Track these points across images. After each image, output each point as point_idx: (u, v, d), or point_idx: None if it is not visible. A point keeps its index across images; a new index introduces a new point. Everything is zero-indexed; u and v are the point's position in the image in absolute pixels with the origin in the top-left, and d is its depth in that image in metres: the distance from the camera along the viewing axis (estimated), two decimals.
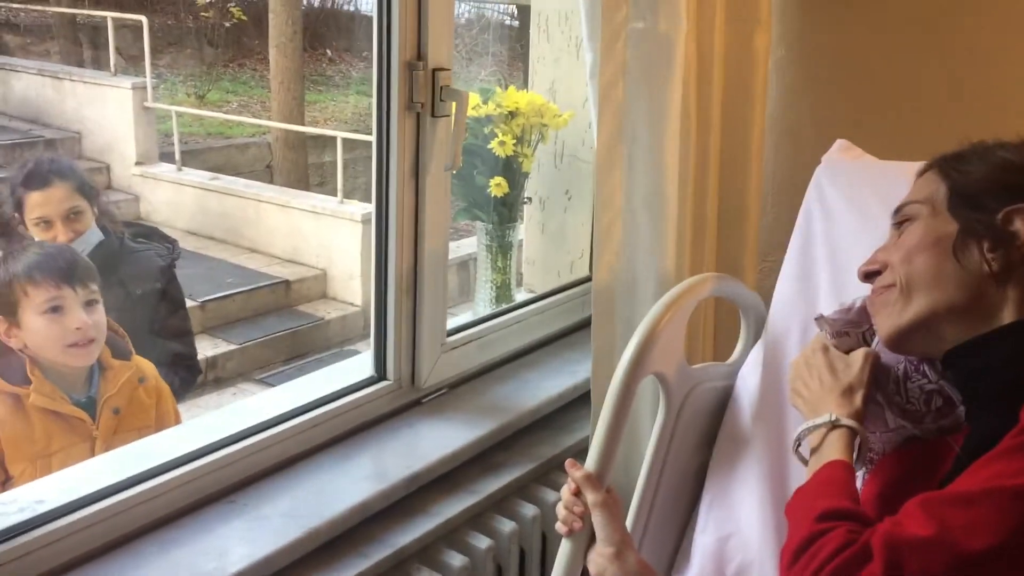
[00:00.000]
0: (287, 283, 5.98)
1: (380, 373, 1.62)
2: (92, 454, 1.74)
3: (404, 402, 1.63)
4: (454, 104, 1.54)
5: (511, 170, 1.94)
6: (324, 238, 6.15)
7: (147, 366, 1.91)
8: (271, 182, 7.63)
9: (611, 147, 1.56)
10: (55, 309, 1.72)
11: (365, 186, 7.33)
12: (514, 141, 1.90)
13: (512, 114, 1.91)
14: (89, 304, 1.76)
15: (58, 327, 1.72)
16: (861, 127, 1.60)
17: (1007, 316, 0.95)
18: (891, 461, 1.07)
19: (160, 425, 1.86)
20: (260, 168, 8.03)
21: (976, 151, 1.03)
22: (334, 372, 1.65)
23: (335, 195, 6.33)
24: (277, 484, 1.41)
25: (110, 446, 1.72)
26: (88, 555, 1.21)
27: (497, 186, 1.91)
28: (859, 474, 1.08)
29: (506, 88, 1.99)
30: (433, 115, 1.53)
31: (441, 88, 1.52)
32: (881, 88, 1.75)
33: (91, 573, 1.20)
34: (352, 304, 6.01)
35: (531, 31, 2.16)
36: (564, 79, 2.11)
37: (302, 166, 7.99)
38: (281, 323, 5.74)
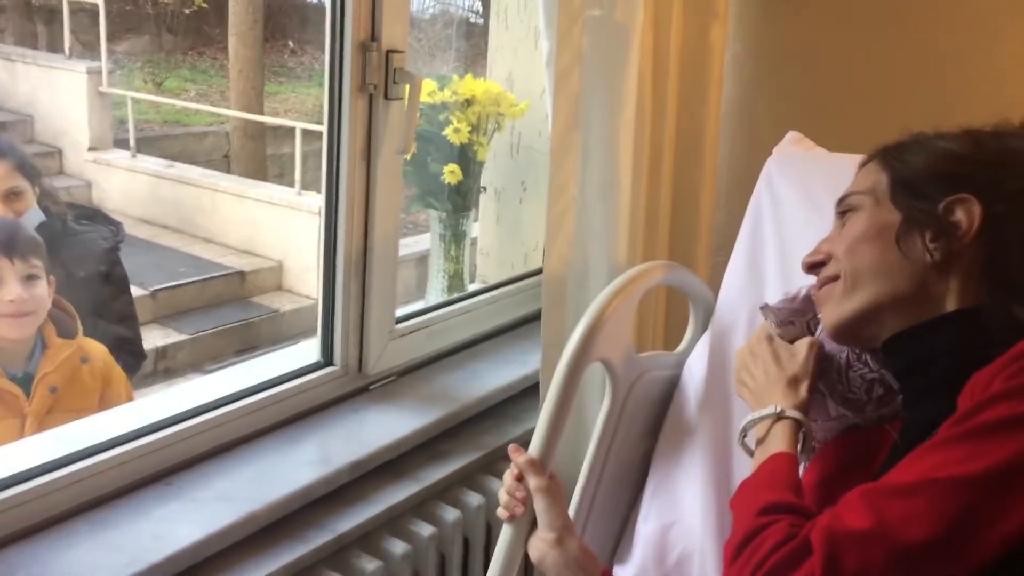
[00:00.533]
0: (242, 274, 5.90)
1: (327, 359, 1.60)
2: (22, 432, 1.70)
3: (351, 388, 1.61)
4: (408, 87, 1.52)
5: (466, 158, 1.93)
6: (281, 229, 6.07)
7: (95, 348, 1.87)
8: (228, 172, 7.53)
9: (566, 135, 1.55)
10: None
11: None
12: (469, 129, 1.88)
13: (468, 102, 1.90)
14: (29, 278, 1.74)
15: None
16: (816, 121, 1.60)
17: (949, 305, 0.95)
18: (832, 449, 1.08)
19: (107, 409, 1.81)
20: (218, 157, 7.92)
21: (917, 141, 1.03)
22: (280, 357, 1.63)
23: (293, 187, 6.26)
24: (217, 467, 1.38)
25: (43, 425, 1.70)
26: (17, 534, 1.18)
27: (451, 173, 1.89)
28: (804, 460, 1.08)
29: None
30: (386, 97, 1.51)
31: (395, 70, 1.50)
32: (837, 83, 1.76)
33: (21, 552, 1.16)
34: (308, 296, 5.94)
35: (490, 20, 2.15)
36: (522, 69, 2.09)
37: (260, 156, 7.89)
38: (234, 314, 5.66)
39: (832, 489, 1.00)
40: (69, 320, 1.84)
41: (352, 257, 1.56)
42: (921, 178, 0.98)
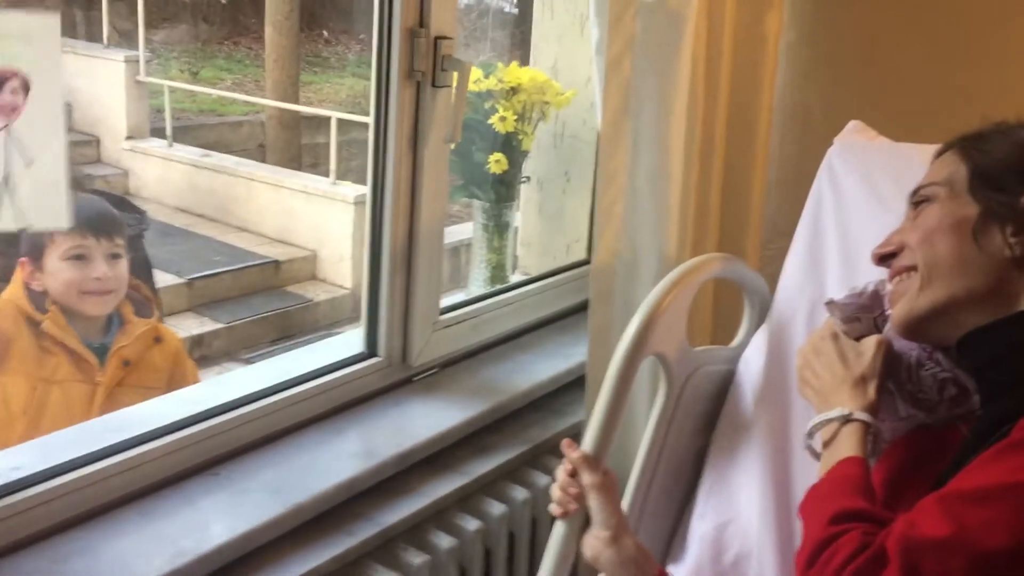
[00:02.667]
0: (277, 263, 5.92)
1: (371, 349, 1.58)
2: (92, 399, 1.75)
3: (394, 380, 1.59)
4: (456, 74, 1.50)
5: (510, 147, 1.90)
6: (315, 219, 6.08)
7: (169, 332, 1.94)
8: (264, 161, 7.56)
9: (616, 123, 1.52)
10: (78, 257, 1.75)
11: (358, 168, 7.26)
12: (515, 118, 1.86)
13: (514, 90, 1.87)
14: (113, 257, 1.79)
15: (78, 274, 1.75)
16: (872, 110, 1.56)
17: None
18: (899, 447, 1.04)
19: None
20: (253, 147, 7.95)
21: (998, 131, 1.00)
22: (324, 347, 1.62)
23: (328, 176, 6.27)
24: (262, 458, 1.37)
25: (112, 396, 1.76)
26: (66, 523, 1.17)
27: (496, 163, 1.87)
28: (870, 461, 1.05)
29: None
30: (434, 85, 1.49)
31: (443, 57, 1.48)
32: (891, 72, 1.71)
33: (70, 541, 1.16)
34: (342, 287, 5.95)
35: (535, 6, 2.12)
36: (567, 57, 2.06)
37: (295, 146, 7.91)
38: (269, 303, 5.68)
39: (900, 488, 0.97)
40: (145, 302, 1.89)
41: (397, 247, 1.54)
42: (1002, 169, 0.95)
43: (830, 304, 1.09)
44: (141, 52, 6.72)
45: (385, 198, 1.52)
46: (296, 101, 8.04)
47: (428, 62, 1.47)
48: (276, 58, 7.79)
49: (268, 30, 7.96)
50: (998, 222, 0.93)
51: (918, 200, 1.02)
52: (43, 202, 1.36)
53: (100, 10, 7.23)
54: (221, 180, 6.44)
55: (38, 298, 1.75)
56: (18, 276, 1.76)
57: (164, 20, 9.70)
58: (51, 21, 1.32)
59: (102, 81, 6.50)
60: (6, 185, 1.29)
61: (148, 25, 7.34)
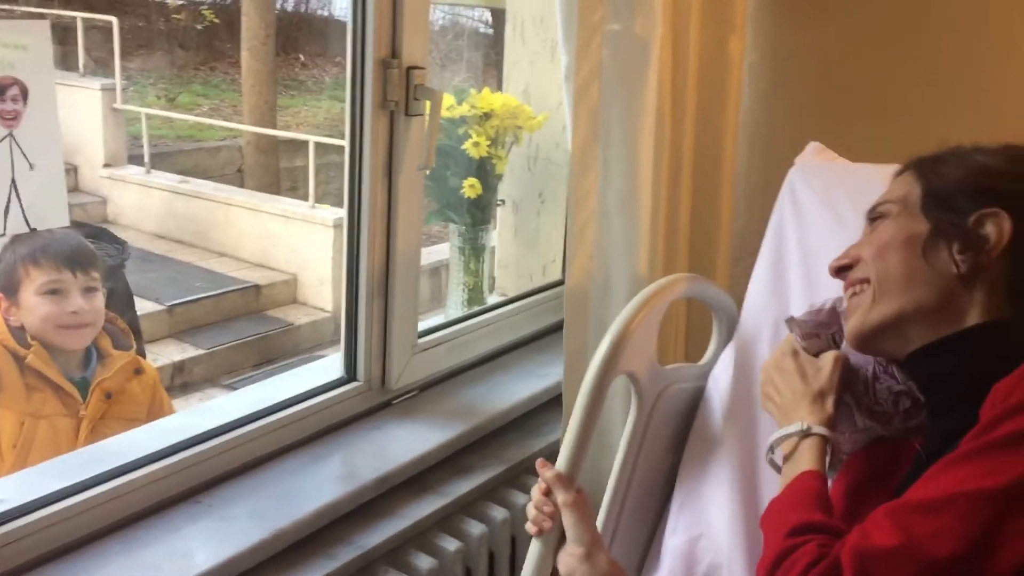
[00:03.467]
0: (257, 287, 5.93)
1: (350, 374, 1.61)
2: (77, 433, 1.77)
3: (374, 403, 1.62)
4: (428, 103, 1.53)
5: (484, 172, 1.94)
6: (295, 243, 6.10)
7: (147, 365, 1.95)
8: (242, 186, 7.57)
9: (586, 148, 1.55)
10: (54, 292, 1.77)
11: (337, 191, 7.28)
12: (488, 143, 1.89)
13: (487, 115, 1.90)
14: (88, 291, 1.80)
15: (55, 308, 1.76)
16: (834, 131, 1.60)
17: (972, 318, 0.95)
18: (858, 461, 1.07)
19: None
20: (231, 172, 7.97)
21: (954, 154, 1.03)
22: (304, 373, 1.64)
23: (307, 200, 6.29)
24: (244, 484, 1.39)
25: (96, 429, 1.77)
26: (50, 555, 1.19)
27: (471, 187, 1.90)
28: (831, 474, 1.08)
29: (480, 92, 1.99)
30: (407, 114, 1.52)
31: (415, 87, 1.51)
32: (854, 92, 1.76)
33: (56, 572, 1.17)
34: (323, 310, 5.97)
35: (506, 33, 2.16)
36: (538, 82, 2.10)
37: (273, 170, 7.93)
38: (251, 328, 5.69)
39: (858, 501, 1.00)
40: (122, 334, 1.91)
41: (375, 273, 1.56)
42: (953, 191, 0.99)
43: (790, 321, 1.13)
44: (117, 80, 6.73)
45: (362, 224, 1.55)
46: (274, 126, 8.07)
47: (401, 91, 1.50)
48: (253, 83, 7.82)
49: (244, 56, 7.99)
50: (946, 240, 0.96)
51: (874, 216, 1.06)
52: (45, 204, 1.42)
53: (75, 40, 7.23)
54: (200, 206, 6.45)
55: (18, 333, 1.76)
56: None
57: (140, 47, 9.71)
58: (42, 28, 1.37)
59: (79, 110, 6.51)
60: (14, 189, 1.34)
61: (124, 53, 7.35)
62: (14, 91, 1.30)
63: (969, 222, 0.96)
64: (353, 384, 1.60)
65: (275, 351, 5.60)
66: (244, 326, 5.69)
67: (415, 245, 1.61)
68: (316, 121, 9.75)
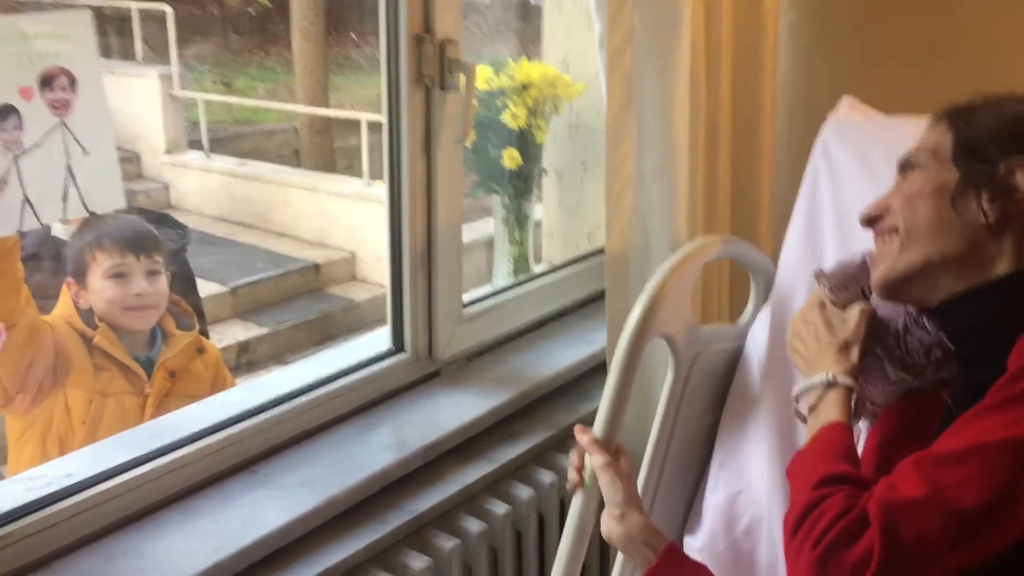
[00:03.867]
0: (316, 266, 6.03)
1: (398, 346, 1.65)
2: (143, 410, 1.85)
3: (422, 374, 1.65)
4: (463, 76, 1.55)
5: (525, 142, 1.95)
6: (352, 220, 6.18)
7: (208, 343, 2.03)
8: (298, 167, 7.68)
9: (620, 115, 1.56)
10: (119, 275, 1.84)
11: None
12: (527, 113, 1.90)
13: (525, 86, 1.92)
14: (152, 274, 1.87)
15: (120, 291, 1.84)
16: (874, 86, 1.59)
17: (1001, 268, 0.95)
18: (892, 414, 1.08)
19: None
20: (288, 153, 8.08)
21: (987, 103, 1.02)
22: (354, 346, 1.68)
23: (361, 177, 6.36)
24: (299, 455, 1.44)
25: (162, 406, 1.85)
26: (114, 525, 1.25)
27: (511, 158, 1.92)
28: (864, 426, 1.09)
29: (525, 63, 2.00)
30: (442, 88, 1.54)
31: (450, 61, 1.53)
32: (893, 45, 1.73)
33: (118, 542, 1.23)
34: (380, 285, 6.03)
35: (544, 2, 2.16)
36: (577, 50, 2.10)
37: (328, 150, 8.03)
38: (311, 306, 5.79)
39: (892, 453, 1.00)
40: (184, 315, 1.98)
41: (417, 246, 1.60)
42: (985, 140, 0.98)
43: (819, 274, 1.13)
44: (174, 67, 6.86)
45: (402, 199, 1.58)
46: (326, 105, 8.15)
47: (435, 66, 1.52)
48: (305, 64, 7.90)
49: (296, 37, 8.08)
50: (975, 189, 0.96)
51: (905, 167, 1.05)
52: (101, 187, 1.46)
53: (131, 30, 7.38)
54: (259, 188, 6.57)
55: (87, 315, 1.84)
56: (65, 295, 1.86)
57: (195, 34, 9.86)
58: (83, 17, 1.41)
59: (138, 98, 6.65)
60: (70, 175, 1.39)
61: (180, 40, 7.47)
62: (62, 80, 1.34)
63: (1000, 171, 0.95)
64: (401, 355, 1.63)
65: (336, 327, 5.70)
66: (306, 304, 5.79)
67: (456, 217, 1.64)
68: (370, 99, 9.80)
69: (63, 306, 1.85)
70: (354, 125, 7.46)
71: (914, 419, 1.05)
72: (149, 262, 1.87)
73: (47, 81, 1.33)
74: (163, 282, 1.91)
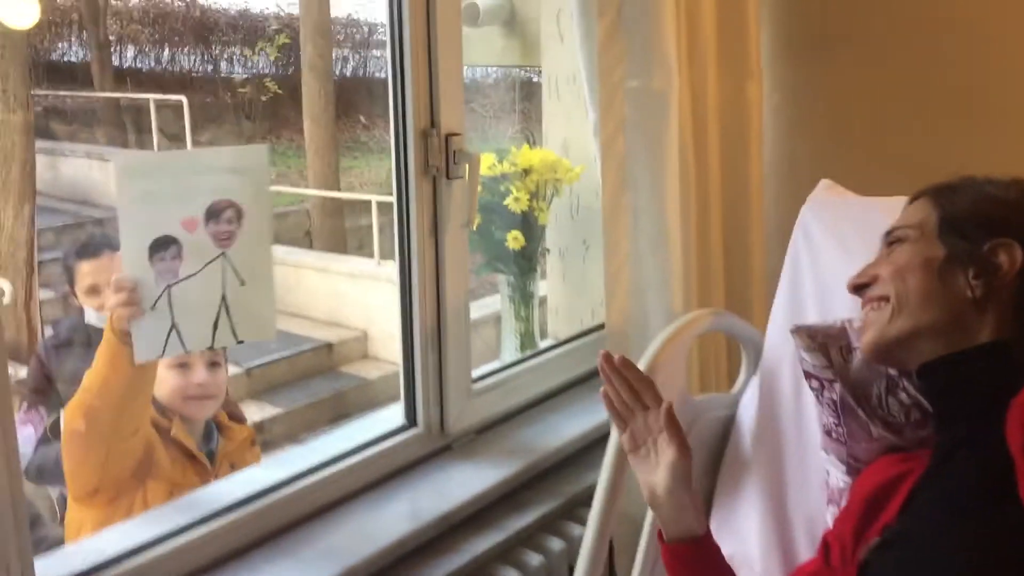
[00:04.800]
0: (329, 345, 6.13)
1: (410, 421, 1.72)
2: None
3: (434, 447, 1.72)
4: (467, 166, 1.65)
5: (528, 224, 2.05)
6: (363, 299, 6.30)
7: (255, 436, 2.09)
8: (311, 248, 7.83)
9: (616, 197, 1.66)
10: (182, 365, 1.90)
11: None
12: (529, 196, 2.01)
13: (526, 171, 2.02)
14: (213, 365, 1.93)
15: (182, 381, 1.90)
16: (853, 164, 1.69)
17: (983, 336, 1.02)
18: (875, 469, 1.14)
19: None
20: (300, 235, 8.25)
21: (966, 184, 1.11)
22: (368, 422, 1.76)
23: (372, 257, 6.50)
24: (319, 526, 1.51)
25: None
26: None
27: (514, 239, 2.01)
28: (847, 481, 1.16)
29: (533, 144, 2.11)
30: (448, 177, 1.64)
31: (454, 152, 1.63)
32: (869, 126, 1.84)
33: None
34: (392, 362, 6.12)
35: (543, 92, 2.28)
36: (576, 135, 2.22)
37: (340, 231, 8.20)
38: (325, 385, 5.87)
39: (877, 505, 1.07)
40: (236, 408, 2.05)
41: (427, 325, 1.68)
42: (968, 219, 1.06)
43: (797, 330, 1.21)
44: None
45: (413, 281, 1.67)
46: (337, 188, 8.34)
47: (441, 157, 1.63)
48: (316, 149, 8.12)
49: (307, 124, 8.32)
50: (962, 266, 1.04)
51: (892, 240, 1.13)
52: (254, 318, 1.48)
53: (148, 119, 7.60)
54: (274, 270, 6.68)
55: (156, 405, 1.87)
56: None
57: (208, 122, 10.14)
58: (261, 151, 1.46)
59: None
60: (224, 305, 1.42)
61: (193, 127, 7.70)
62: (229, 214, 1.38)
63: (984, 250, 1.03)
64: (414, 430, 1.71)
65: (349, 405, 5.76)
66: (319, 383, 5.87)
67: (463, 296, 1.73)
68: (379, 180, 10.02)
69: None
70: (364, 205, 7.62)
71: (894, 474, 1.11)
72: (211, 354, 1.92)
73: (214, 213, 1.37)
74: (223, 373, 1.96)
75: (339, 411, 5.71)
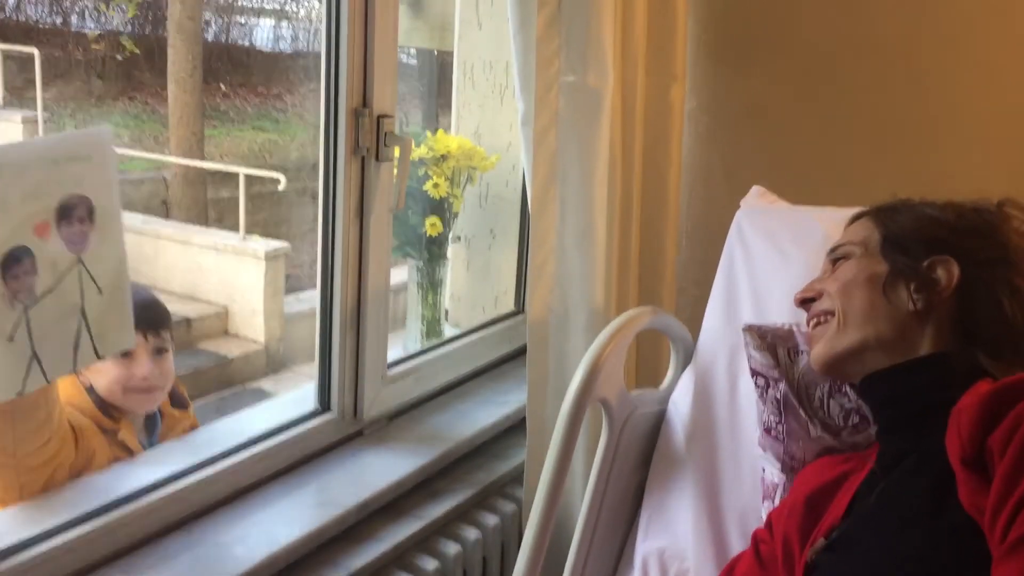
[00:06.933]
0: (188, 320, 5.89)
1: (324, 406, 1.68)
2: None
3: (347, 433, 1.69)
4: (398, 149, 1.63)
5: (443, 210, 2.04)
6: (225, 275, 6.09)
7: (197, 422, 1.90)
8: (167, 218, 7.51)
9: (545, 189, 1.67)
10: (124, 354, 1.67)
11: (264, 222, 7.28)
12: (446, 182, 1.99)
13: (443, 157, 2.01)
14: (159, 352, 1.73)
15: (124, 372, 1.68)
16: (766, 171, 1.76)
17: (924, 349, 1.08)
18: (815, 469, 1.20)
19: None
20: (156, 203, 7.89)
21: (906, 205, 1.18)
22: (279, 405, 1.71)
23: (234, 231, 6.29)
24: (232, 514, 1.46)
25: None
26: None
27: (432, 226, 2.00)
28: (784, 479, 1.21)
29: (435, 131, 2.09)
30: (377, 159, 1.61)
31: (385, 134, 1.61)
32: (784, 135, 1.92)
33: None
34: (254, 341, 5.96)
35: (455, 78, 2.27)
36: (488, 124, 2.22)
37: (201, 202, 7.89)
38: (182, 362, 5.64)
39: (818, 504, 1.12)
40: (179, 391, 1.84)
41: (347, 308, 1.65)
42: (909, 236, 1.12)
43: (748, 328, 1.25)
44: (39, 111, 6.64)
45: (335, 263, 1.63)
46: (201, 157, 8.02)
47: (372, 138, 1.60)
48: (180, 115, 7.78)
49: (172, 87, 7.94)
50: (904, 280, 1.10)
51: (836, 256, 1.19)
52: (113, 328, 1.27)
53: None
54: (127, 238, 6.37)
55: (95, 397, 1.68)
56: (71, 377, 1.66)
57: (56, 77, 9.53)
58: (104, 135, 1.23)
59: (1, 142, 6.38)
60: (84, 320, 1.21)
61: (41, 83, 7.25)
62: (81, 211, 1.19)
63: (924, 265, 1.09)
64: (327, 415, 1.67)
65: (209, 384, 5.57)
66: (176, 360, 5.63)
67: (384, 282, 1.70)
68: (240, 151, 9.71)
69: (72, 391, 1.66)
70: (225, 177, 7.37)
71: (836, 476, 1.16)
72: (157, 340, 1.72)
73: (65, 212, 1.17)
74: (169, 360, 1.75)
75: (198, 389, 5.50)
